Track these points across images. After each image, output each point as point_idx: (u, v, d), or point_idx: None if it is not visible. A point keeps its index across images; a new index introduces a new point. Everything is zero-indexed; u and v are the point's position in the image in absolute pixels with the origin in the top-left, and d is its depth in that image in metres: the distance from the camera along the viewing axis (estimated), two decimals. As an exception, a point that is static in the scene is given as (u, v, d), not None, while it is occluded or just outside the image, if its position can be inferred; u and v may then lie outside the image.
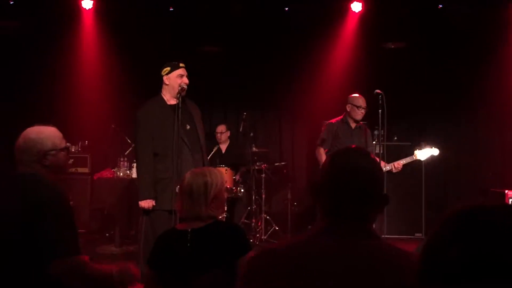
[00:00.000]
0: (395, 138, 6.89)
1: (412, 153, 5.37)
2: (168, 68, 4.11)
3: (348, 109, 5.30)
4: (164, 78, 4.12)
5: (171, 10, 7.26)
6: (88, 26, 7.26)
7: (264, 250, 1.44)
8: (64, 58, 7.33)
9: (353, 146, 1.66)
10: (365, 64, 7.24)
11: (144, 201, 3.95)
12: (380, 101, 4.80)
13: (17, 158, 2.33)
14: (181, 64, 4.13)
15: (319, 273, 1.31)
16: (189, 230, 2.41)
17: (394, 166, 5.23)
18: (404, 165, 5.31)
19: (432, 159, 5.49)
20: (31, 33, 7.18)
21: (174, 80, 4.06)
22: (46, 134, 2.37)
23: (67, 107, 7.30)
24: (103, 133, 6.86)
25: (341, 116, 5.43)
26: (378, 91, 4.87)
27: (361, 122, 5.45)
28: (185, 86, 4.05)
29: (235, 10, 7.14)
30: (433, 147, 5.34)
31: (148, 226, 4.02)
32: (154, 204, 3.95)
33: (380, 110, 4.80)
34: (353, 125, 5.31)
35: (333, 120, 5.43)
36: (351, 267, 1.32)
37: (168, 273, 2.40)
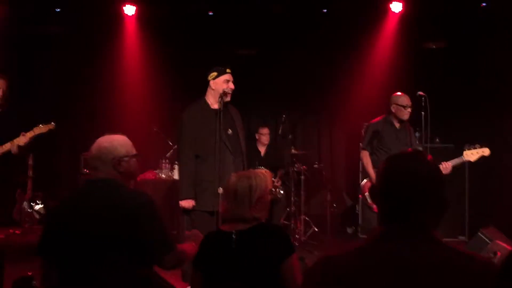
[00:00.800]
0: (437, 140, 6.77)
1: (460, 155, 4.99)
2: (215, 73, 4.17)
3: (393, 110, 4.99)
4: (211, 82, 4.18)
5: (211, 14, 7.38)
6: (131, 31, 7.47)
7: (324, 257, 1.43)
8: (107, 63, 7.56)
9: (410, 150, 1.64)
10: (405, 64, 7.15)
11: (184, 200, 4.05)
12: (423, 103, 4.71)
13: (92, 165, 2.46)
14: (228, 70, 4.18)
15: (380, 279, 1.31)
16: (234, 231, 2.46)
17: (442, 167, 5.00)
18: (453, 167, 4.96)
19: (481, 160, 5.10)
20: (75, 38, 7.43)
21: (220, 85, 4.13)
22: (119, 142, 2.49)
23: (110, 110, 7.53)
24: (146, 135, 7.02)
25: (382, 117, 5.16)
26: (420, 93, 4.79)
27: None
28: (230, 92, 4.12)
29: (273, 12, 7.19)
30: (482, 147, 4.92)
31: (189, 226, 4.14)
32: (194, 204, 4.05)
33: (423, 112, 4.72)
34: (397, 125, 5.03)
35: (374, 121, 5.17)
36: (412, 272, 1.31)
37: (213, 274, 2.45)
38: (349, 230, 7.01)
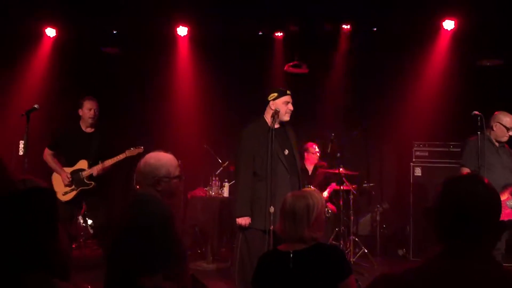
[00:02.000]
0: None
1: None
2: (275, 94, 4.28)
3: (494, 128, 4.81)
4: (271, 103, 4.28)
5: (260, 34, 7.50)
6: (183, 51, 7.68)
7: (383, 275, 1.47)
8: (161, 82, 7.81)
9: (466, 172, 1.66)
10: (458, 83, 7.01)
11: (242, 218, 4.10)
12: (479, 122, 4.61)
13: (136, 180, 2.57)
14: (288, 92, 4.29)
15: None
16: (291, 251, 2.47)
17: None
18: None
19: None
20: (131, 59, 7.71)
21: (281, 106, 4.22)
22: (163, 162, 2.58)
23: (163, 127, 7.74)
24: (196, 152, 7.16)
25: (476, 134, 4.76)
26: (476, 112, 4.68)
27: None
28: (289, 112, 4.23)
29: (324, 30, 7.24)
30: None
31: (243, 244, 4.17)
32: (250, 221, 4.09)
33: (479, 132, 4.61)
34: (496, 143, 4.84)
35: (473, 138, 4.80)
36: None
37: (270, 293, 2.47)
38: (400, 252, 6.85)
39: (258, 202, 4.10)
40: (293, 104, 4.28)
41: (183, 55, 7.69)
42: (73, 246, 6.73)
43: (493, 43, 6.80)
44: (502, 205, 4.25)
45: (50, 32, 7.46)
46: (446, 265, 1.40)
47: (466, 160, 4.75)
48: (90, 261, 6.07)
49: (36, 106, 4.55)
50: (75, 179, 5.29)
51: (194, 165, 7.36)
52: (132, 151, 5.17)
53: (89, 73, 7.70)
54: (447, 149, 6.82)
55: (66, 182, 5.25)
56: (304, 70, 7.39)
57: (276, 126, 4.18)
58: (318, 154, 6.79)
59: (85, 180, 5.29)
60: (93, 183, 5.30)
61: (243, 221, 4.10)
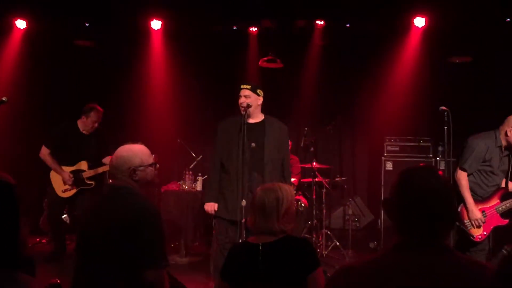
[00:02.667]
0: (461, 154, 6.71)
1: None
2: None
3: (509, 133, 4.34)
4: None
5: (235, 29, 7.50)
6: (157, 45, 7.62)
7: (344, 266, 1.51)
8: (134, 75, 7.74)
9: (422, 164, 1.68)
10: (429, 79, 7.15)
11: (206, 204, 4.30)
12: (446, 118, 4.71)
13: (110, 173, 2.57)
14: (241, 86, 4.30)
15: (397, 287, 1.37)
16: (260, 244, 2.50)
17: None
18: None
19: None
20: (104, 52, 7.62)
21: (239, 100, 4.29)
22: (135, 151, 2.59)
23: (136, 121, 7.68)
24: (170, 147, 7.14)
25: (484, 133, 4.48)
26: (443, 107, 4.78)
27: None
28: (242, 106, 4.19)
29: (297, 26, 7.28)
30: None
31: (215, 232, 4.35)
32: (215, 209, 4.25)
33: (446, 127, 4.72)
34: (503, 151, 4.42)
35: (480, 137, 4.45)
36: (427, 280, 1.37)
37: (240, 285, 2.50)
38: (371, 245, 6.97)
39: (222, 192, 4.26)
40: (245, 96, 4.21)
41: (157, 49, 7.63)
42: (44, 241, 6.67)
43: (462, 40, 6.95)
44: (492, 211, 4.32)
45: (20, 23, 7.30)
46: (399, 257, 1.43)
47: (468, 164, 4.36)
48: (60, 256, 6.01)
49: (4, 98, 4.47)
50: (76, 178, 5.68)
51: (168, 159, 7.34)
52: None
53: (60, 66, 7.59)
54: (417, 144, 6.97)
55: (70, 182, 5.66)
56: (278, 65, 7.42)
57: (252, 120, 4.24)
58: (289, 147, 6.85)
59: (85, 180, 5.72)
60: (93, 183, 5.74)
61: (208, 207, 4.27)
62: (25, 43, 7.41)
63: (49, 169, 5.81)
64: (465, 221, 4.28)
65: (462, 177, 4.34)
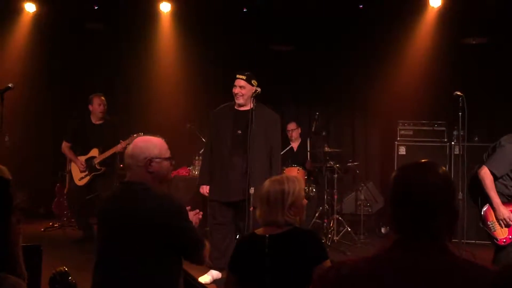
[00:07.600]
0: (476, 138, 6.58)
1: None
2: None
3: None
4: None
5: (245, 11, 7.38)
6: (166, 28, 7.54)
7: (338, 263, 1.46)
8: (143, 59, 7.68)
9: (422, 161, 1.59)
10: (444, 61, 6.99)
11: (201, 187, 4.60)
12: (461, 103, 4.59)
13: (126, 163, 2.52)
14: (237, 75, 4.45)
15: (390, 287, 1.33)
16: (267, 236, 2.46)
17: None
18: None
19: None
20: (113, 35, 7.57)
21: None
22: (154, 142, 2.54)
23: (145, 106, 7.65)
24: (180, 131, 7.09)
25: None
26: (458, 92, 4.65)
27: None
28: (236, 96, 4.45)
29: (308, 9, 7.13)
30: None
31: (208, 213, 4.58)
32: (207, 191, 4.53)
33: (460, 113, 4.60)
34: None
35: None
36: (420, 281, 1.32)
37: (247, 276, 2.46)
38: (383, 230, 6.90)
39: (213, 175, 4.52)
40: (240, 87, 4.39)
41: (166, 32, 7.56)
42: (56, 225, 6.72)
43: (478, 21, 6.75)
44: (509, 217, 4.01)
45: (30, 7, 7.27)
46: (399, 256, 1.38)
47: (495, 165, 3.96)
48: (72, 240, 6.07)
49: (10, 85, 4.44)
50: (88, 165, 5.95)
51: (178, 145, 7.28)
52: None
53: (69, 49, 7.55)
54: (431, 128, 6.82)
55: (82, 169, 5.95)
56: (288, 48, 7.30)
57: (243, 108, 4.41)
58: (294, 131, 6.82)
59: (96, 166, 5.92)
60: (103, 168, 5.92)
61: (201, 189, 4.56)
62: (34, 27, 7.39)
63: (61, 153, 6.18)
64: (489, 222, 3.98)
65: (487, 176, 3.95)
